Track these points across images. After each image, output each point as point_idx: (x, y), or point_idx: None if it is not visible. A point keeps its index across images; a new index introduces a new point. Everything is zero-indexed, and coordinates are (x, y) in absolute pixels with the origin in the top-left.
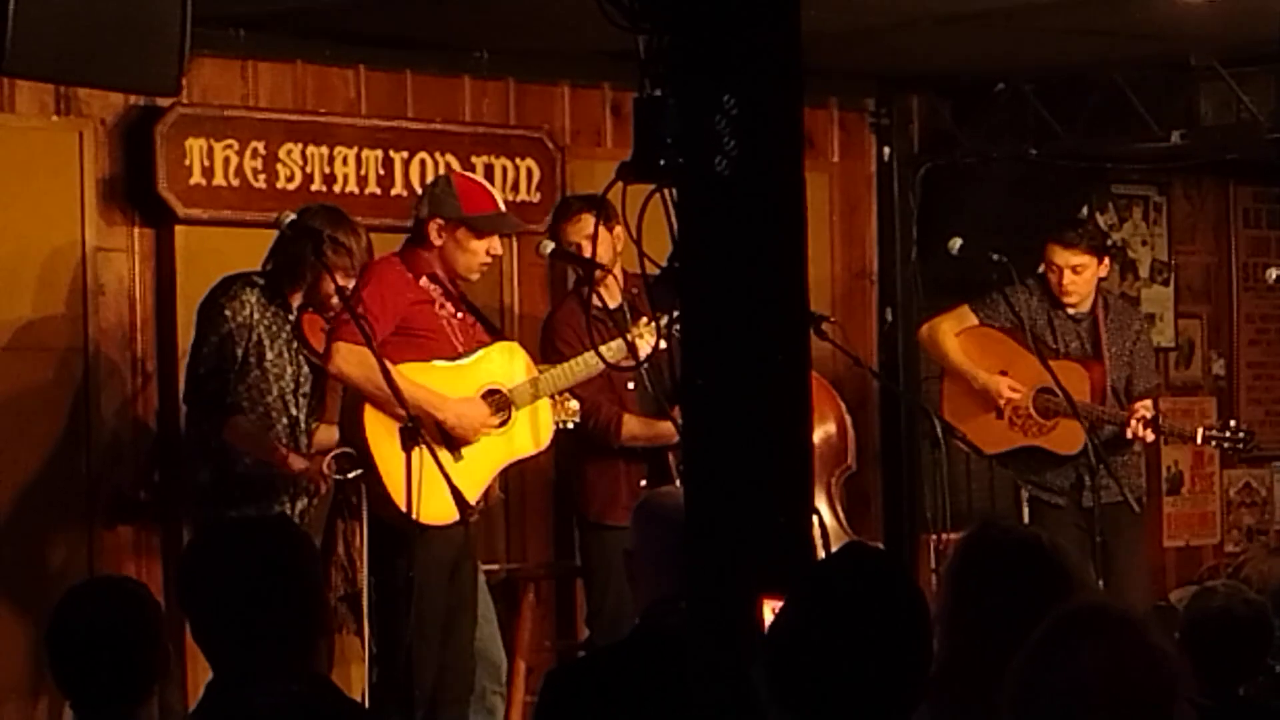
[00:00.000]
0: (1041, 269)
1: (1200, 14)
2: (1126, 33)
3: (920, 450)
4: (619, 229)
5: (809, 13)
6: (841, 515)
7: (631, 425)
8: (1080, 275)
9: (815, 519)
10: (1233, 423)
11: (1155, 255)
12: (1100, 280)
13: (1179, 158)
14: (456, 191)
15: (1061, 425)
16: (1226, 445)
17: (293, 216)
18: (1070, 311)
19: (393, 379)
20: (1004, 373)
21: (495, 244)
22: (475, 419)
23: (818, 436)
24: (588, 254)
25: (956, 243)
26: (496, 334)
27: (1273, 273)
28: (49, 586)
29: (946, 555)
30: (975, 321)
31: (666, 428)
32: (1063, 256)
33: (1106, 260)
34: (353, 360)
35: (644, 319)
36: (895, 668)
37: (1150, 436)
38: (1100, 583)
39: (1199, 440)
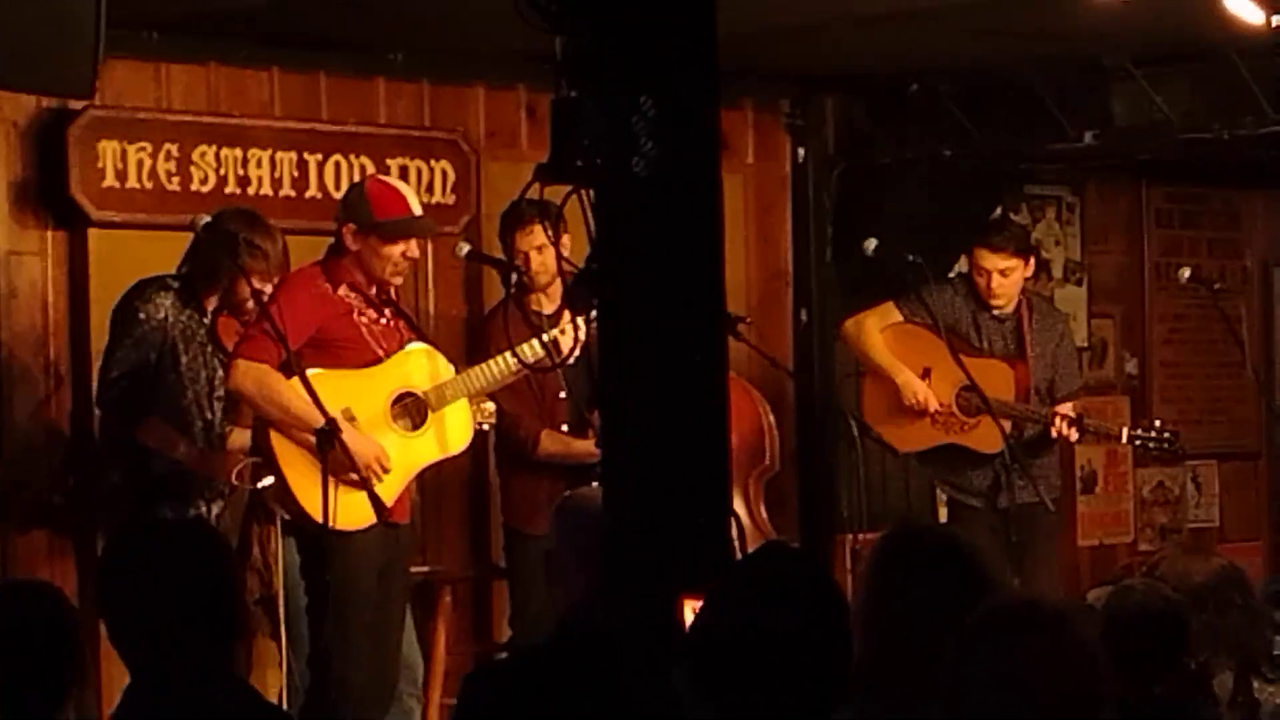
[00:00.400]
0: (967, 270)
1: (1113, 14)
2: (1040, 33)
3: (836, 451)
4: (566, 237)
5: (723, 13)
6: (763, 515)
7: (548, 444)
8: (1008, 278)
9: (733, 519)
10: (1157, 423)
11: (1068, 255)
12: (1026, 280)
13: (1092, 158)
14: (369, 197)
15: (984, 424)
16: (1152, 445)
17: (207, 219)
18: (995, 312)
19: (309, 386)
20: (928, 370)
21: (411, 247)
22: (364, 455)
23: (734, 437)
24: (535, 265)
25: (871, 243)
26: (424, 338)
27: (1185, 272)
28: None
29: (863, 555)
30: (900, 318)
31: (584, 447)
32: (990, 260)
33: (1031, 260)
34: (250, 377)
35: (566, 315)
36: (816, 664)
37: (1075, 436)
38: (1015, 582)
39: (1124, 440)
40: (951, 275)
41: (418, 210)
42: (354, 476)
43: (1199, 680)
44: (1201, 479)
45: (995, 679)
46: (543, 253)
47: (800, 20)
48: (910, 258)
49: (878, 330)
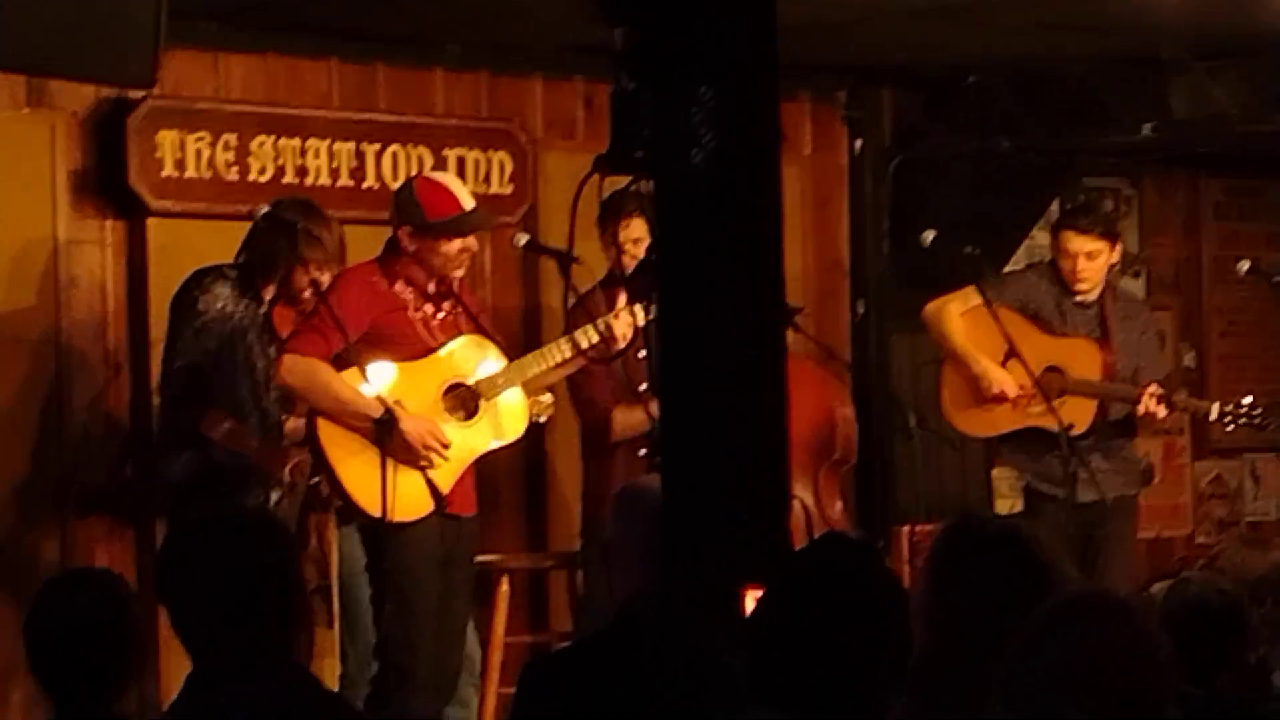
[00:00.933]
0: (1050, 256)
1: (1171, 6)
2: (1097, 26)
3: (893, 442)
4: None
5: (782, 5)
6: (838, 507)
7: (619, 418)
8: (1094, 261)
9: (800, 509)
10: (1246, 400)
11: (1126, 248)
12: (1111, 267)
13: (1149, 151)
14: (418, 198)
15: (1069, 404)
16: (1243, 421)
17: (266, 209)
18: (1079, 298)
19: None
20: (1011, 351)
21: (470, 241)
22: (419, 433)
23: (813, 430)
24: (628, 259)
25: (929, 235)
26: (482, 329)
27: (1244, 265)
28: (21, 580)
29: (920, 546)
30: (980, 301)
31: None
32: (1077, 243)
33: (1118, 248)
34: (297, 372)
35: (620, 301)
36: (873, 657)
37: (1163, 412)
38: (1076, 574)
39: (1213, 416)
40: (1035, 261)
41: (469, 204)
42: (413, 459)
43: (1258, 674)
44: (1260, 472)
45: (1058, 672)
46: (638, 245)
47: (857, 13)
48: (968, 249)
49: (958, 315)
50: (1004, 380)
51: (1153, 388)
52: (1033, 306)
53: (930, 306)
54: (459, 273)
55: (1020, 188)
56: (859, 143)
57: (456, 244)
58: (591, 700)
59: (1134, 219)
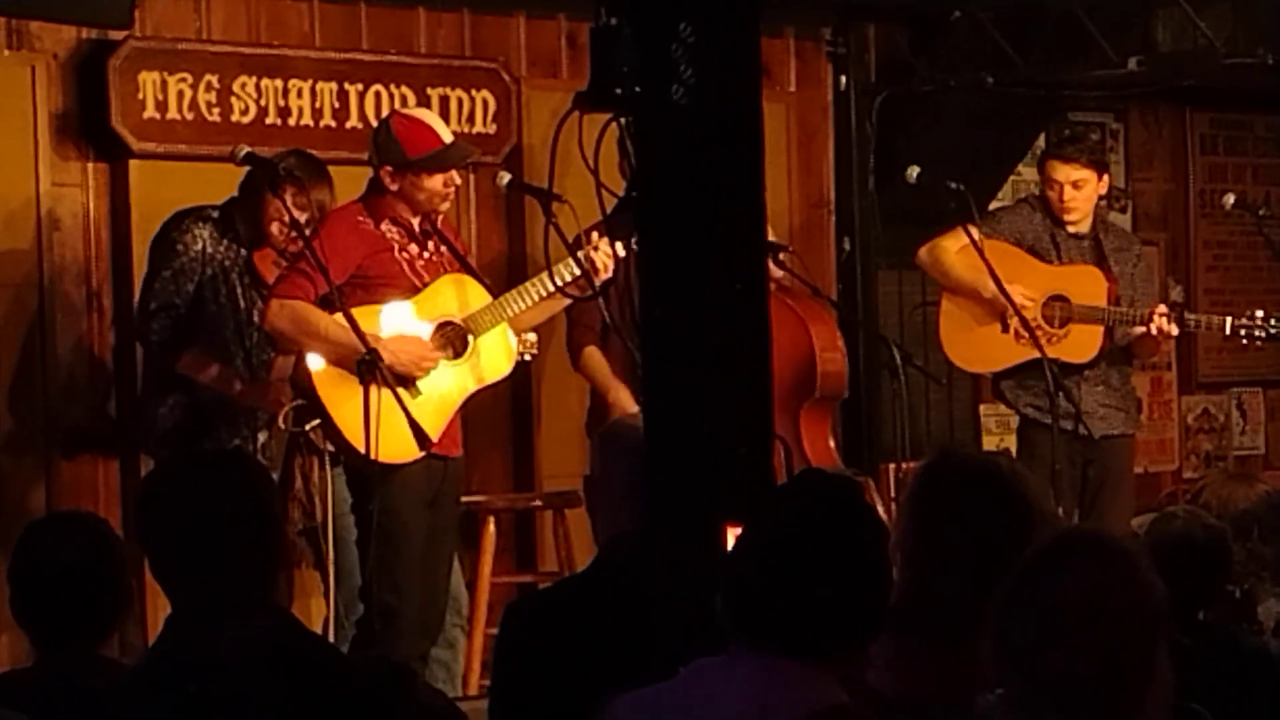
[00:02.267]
0: (1039, 190)
1: None
2: None
3: (879, 379)
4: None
5: None
6: (830, 445)
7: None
8: (1081, 190)
9: (781, 447)
10: (1260, 313)
11: (1113, 182)
12: (1100, 199)
13: (1136, 85)
14: (397, 135)
15: (1074, 333)
16: (1259, 334)
17: (247, 149)
18: (1071, 229)
19: (352, 320)
20: (1010, 283)
21: (452, 176)
22: (412, 353)
23: (793, 368)
24: None
25: (914, 171)
26: (469, 268)
27: (1230, 199)
28: (7, 522)
29: (906, 484)
30: (977, 237)
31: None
32: (1063, 171)
33: (1106, 178)
34: (284, 316)
35: (595, 234)
36: (853, 594)
37: (1174, 330)
38: (1077, 512)
39: (1228, 331)
40: (1023, 196)
41: (448, 138)
42: (409, 387)
43: (1243, 607)
44: (1247, 406)
45: (1050, 611)
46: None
47: None
48: (953, 185)
49: (954, 251)
50: (1016, 291)
51: (1162, 308)
52: (1028, 239)
53: (923, 249)
54: (444, 207)
55: (1006, 123)
56: (844, 79)
57: (439, 179)
58: (574, 639)
59: (1120, 153)
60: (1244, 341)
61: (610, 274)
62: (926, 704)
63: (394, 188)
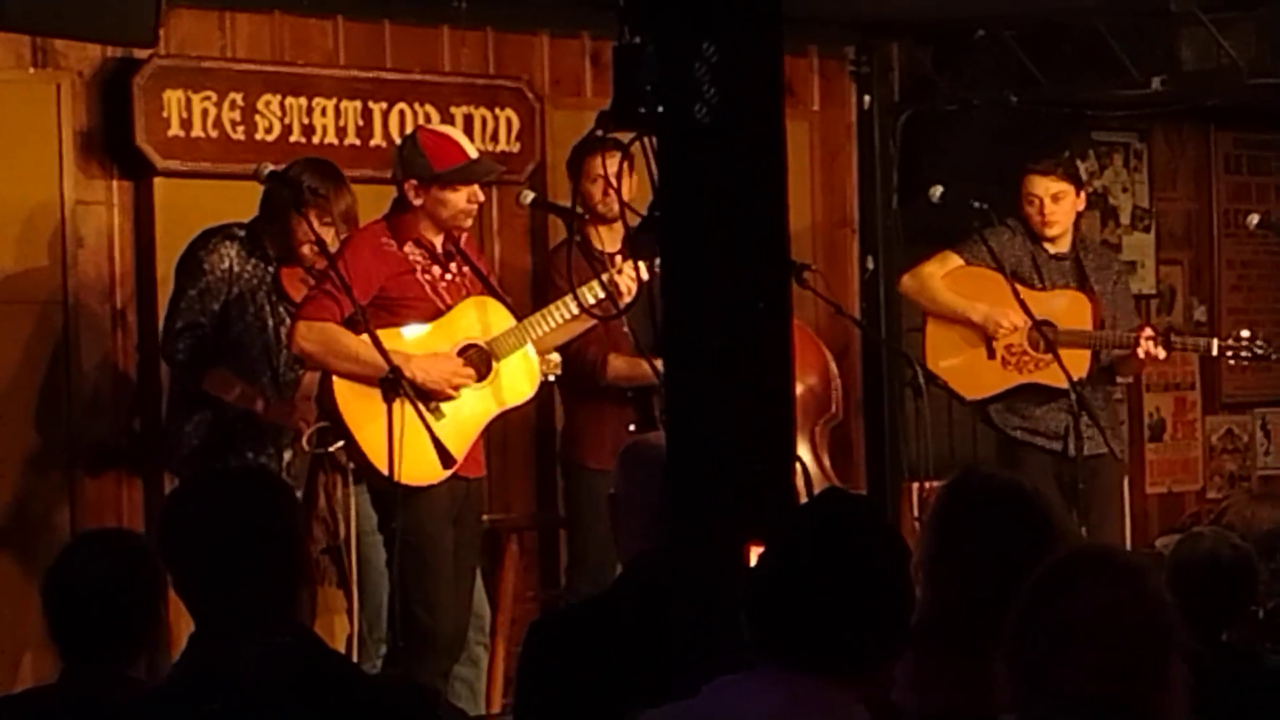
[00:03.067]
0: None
1: None
2: None
3: (902, 398)
4: (633, 179)
5: None
6: (826, 463)
7: (616, 364)
8: (1059, 204)
9: (799, 467)
10: (1245, 333)
11: (1136, 202)
12: (1078, 215)
13: (1159, 104)
14: (423, 149)
15: (1061, 358)
16: (1245, 354)
17: (271, 167)
18: (1052, 251)
19: (377, 341)
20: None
21: (475, 192)
22: (443, 371)
23: (801, 385)
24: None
25: (937, 190)
26: (491, 289)
27: (1254, 218)
28: (30, 538)
29: (929, 503)
30: (959, 263)
31: (651, 368)
32: (1041, 185)
33: (1083, 195)
34: (312, 338)
35: (620, 258)
36: (876, 612)
37: (1162, 354)
38: (1083, 531)
39: (1214, 352)
40: (1005, 220)
41: (474, 153)
42: (433, 409)
43: (1266, 627)
44: (1271, 426)
45: (1061, 629)
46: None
47: None
48: (976, 204)
49: (938, 277)
50: (1008, 314)
51: (1148, 330)
52: (1010, 264)
53: (906, 276)
54: (467, 224)
55: (1029, 142)
56: (867, 98)
57: (464, 194)
58: (597, 659)
59: (1144, 172)
60: (1231, 363)
61: (634, 297)
62: None
63: (418, 203)
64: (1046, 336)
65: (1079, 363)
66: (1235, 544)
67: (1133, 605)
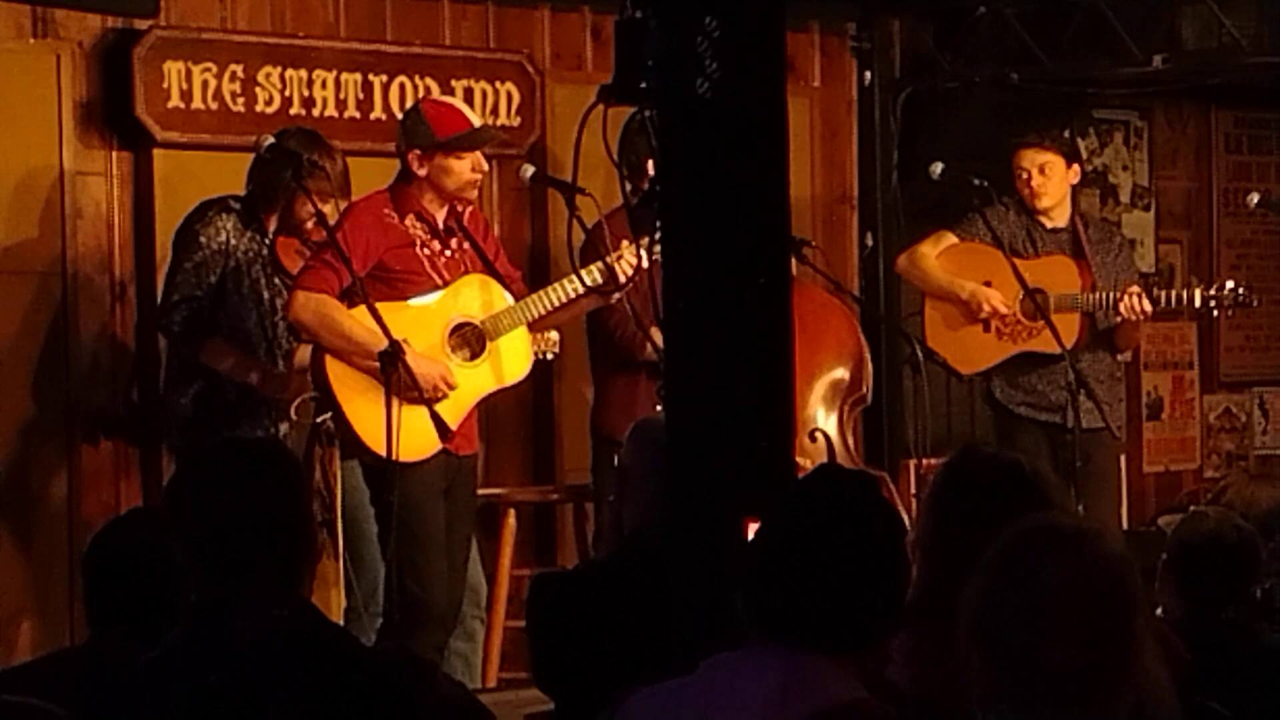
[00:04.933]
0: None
1: None
2: None
3: (901, 375)
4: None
5: None
6: (850, 442)
7: (659, 339)
8: (1048, 175)
9: (824, 443)
10: (1229, 284)
11: (1136, 180)
12: (1074, 190)
13: (1160, 82)
14: (426, 118)
15: (1053, 323)
16: (1227, 304)
17: (271, 140)
18: (1048, 225)
19: (375, 313)
20: (989, 282)
21: (479, 160)
22: (429, 376)
23: (839, 367)
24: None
25: (938, 167)
26: (491, 267)
27: (1254, 198)
28: (29, 507)
29: (927, 480)
30: (953, 241)
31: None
32: (1029, 158)
33: (1075, 167)
34: (310, 308)
35: (624, 241)
36: (871, 588)
37: (1148, 307)
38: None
39: (1198, 304)
40: (1001, 198)
41: (477, 122)
42: (416, 396)
43: (1264, 606)
44: (1269, 405)
45: (1028, 605)
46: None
47: None
48: (976, 181)
49: (932, 255)
50: (994, 296)
51: (1134, 287)
52: (1005, 239)
53: (901, 257)
54: (471, 195)
55: (1030, 119)
56: (868, 74)
57: (468, 162)
58: (595, 623)
59: (1144, 151)
60: (1214, 313)
61: (628, 279)
62: (944, 699)
63: (422, 173)
64: (1037, 303)
65: (1069, 330)
66: (1239, 525)
67: (1097, 572)
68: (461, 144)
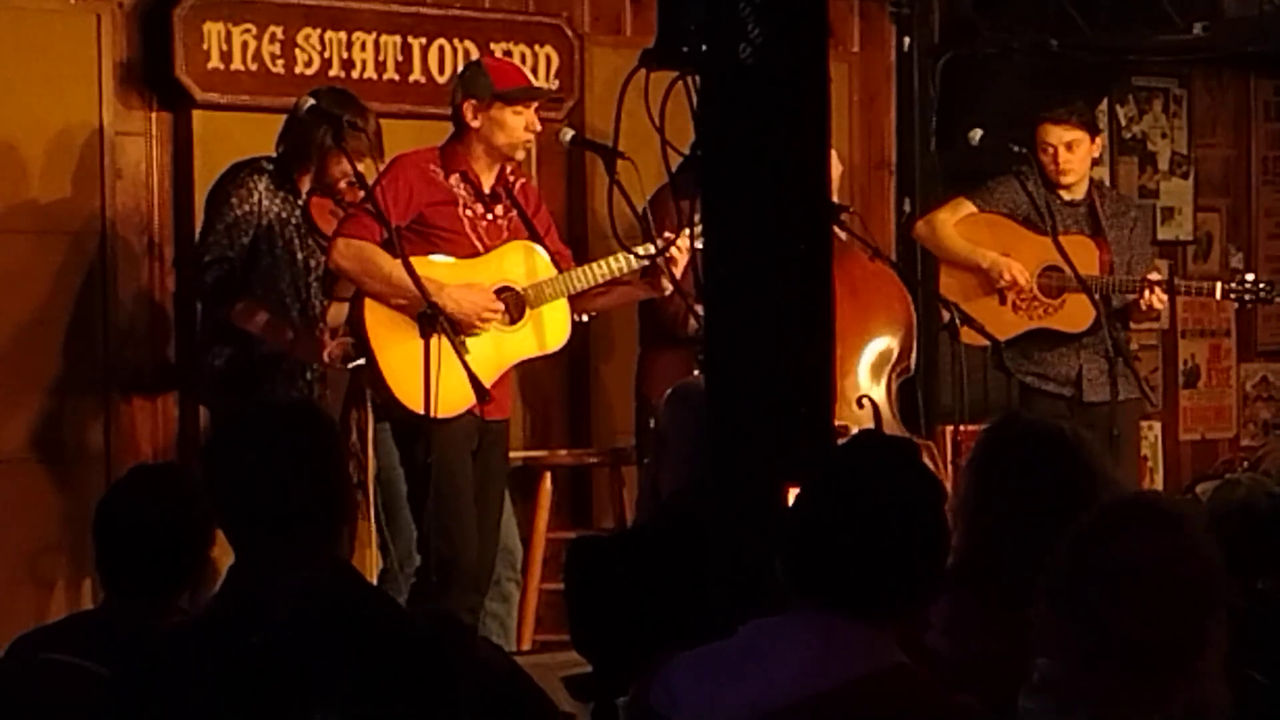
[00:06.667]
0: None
1: None
2: None
3: (937, 341)
4: None
5: None
6: (894, 410)
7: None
8: (1074, 153)
9: (871, 410)
10: (1250, 276)
11: (1175, 148)
12: (1093, 161)
13: (1200, 50)
14: (488, 70)
15: (1069, 302)
16: (1248, 298)
17: (312, 101)
18: (1066, 197)
19: (410, 267)
20: (1007, 255)
21: (533, 119)
22: (475, 303)
23: (891, 335)
24: None
25: (977, 133)
26: (534, 234)
27: None
28: (66, 467)
29: (963, 447)
30: (971, 210)
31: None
32: (1055, 134)
33: (1099, 140)
34: (349, 255)
35: (669, 234)
36: (911, 554)
37: (1163, 302)
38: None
39: (1218, 295)
40: (1018, 169)
41: (535, 82)
42: (460, 343)
43: None
44: None
45: (1116, 572)
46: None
47: None
48: (1015, 148)
49: (950, 224)
50: (1014, 265)
51: (1153, 275)
52: (1022, 210)
53: (920, 222)
54: (520, 155)
55: (1069, 87)
56: (907, 40)
57: (523, 119)
58: (636, 586)
59: (1183, 119)
60: (1235, 306)
61: (683, 268)
62: (984, 666)
63: (475, 124)
64: (1067, 272)
65: (1087, 310)
66: (1272, 492)
67: (1188, 555)
68: (518, 96)
